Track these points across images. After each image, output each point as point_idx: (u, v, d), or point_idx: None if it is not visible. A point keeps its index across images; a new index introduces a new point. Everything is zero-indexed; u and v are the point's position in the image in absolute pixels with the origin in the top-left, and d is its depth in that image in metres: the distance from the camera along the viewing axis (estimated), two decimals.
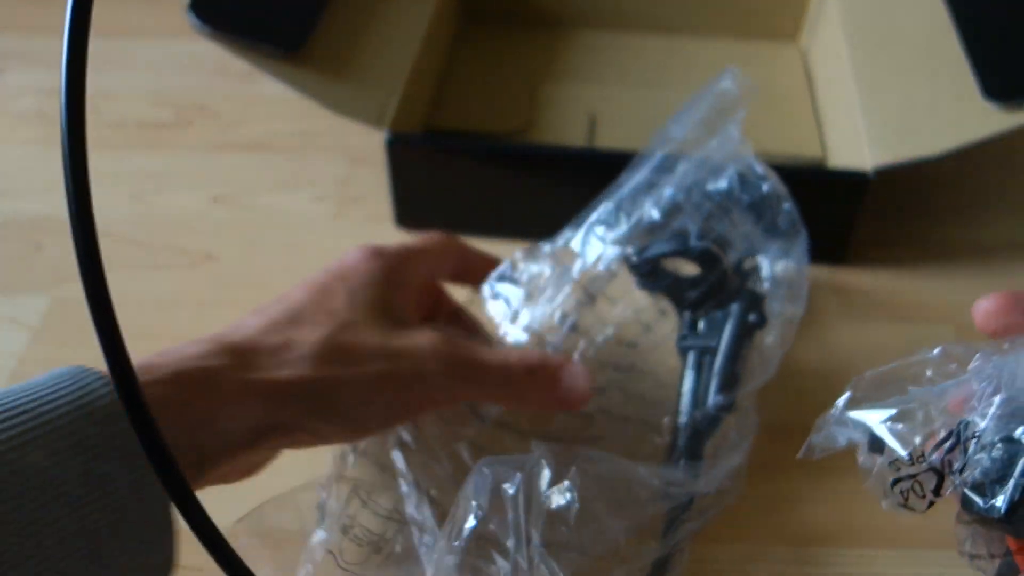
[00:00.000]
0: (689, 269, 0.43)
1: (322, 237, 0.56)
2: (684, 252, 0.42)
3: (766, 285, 0.43)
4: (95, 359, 0.50)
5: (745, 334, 0.42)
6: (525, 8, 0.69)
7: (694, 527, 0.37)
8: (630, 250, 0.43)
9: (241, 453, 0.31)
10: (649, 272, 0.43)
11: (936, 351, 0.29)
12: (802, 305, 0.44)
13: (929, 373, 0.29)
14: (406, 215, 0.55)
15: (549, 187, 0.53)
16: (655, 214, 0.43)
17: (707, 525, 0.38)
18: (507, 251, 0.49)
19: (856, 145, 0.52)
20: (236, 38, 0.48)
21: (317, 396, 0.32)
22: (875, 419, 0.27)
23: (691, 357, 0.42)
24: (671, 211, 0.43)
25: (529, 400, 0.38)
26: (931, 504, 0.26)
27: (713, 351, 0.41)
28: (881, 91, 0.52)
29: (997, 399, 0.25)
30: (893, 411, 0.27)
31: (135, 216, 0.58)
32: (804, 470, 0.44)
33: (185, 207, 0.59)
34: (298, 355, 0.32)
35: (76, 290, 0.55)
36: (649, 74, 0.65)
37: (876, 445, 0.27)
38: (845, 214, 0.52)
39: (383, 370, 0.33)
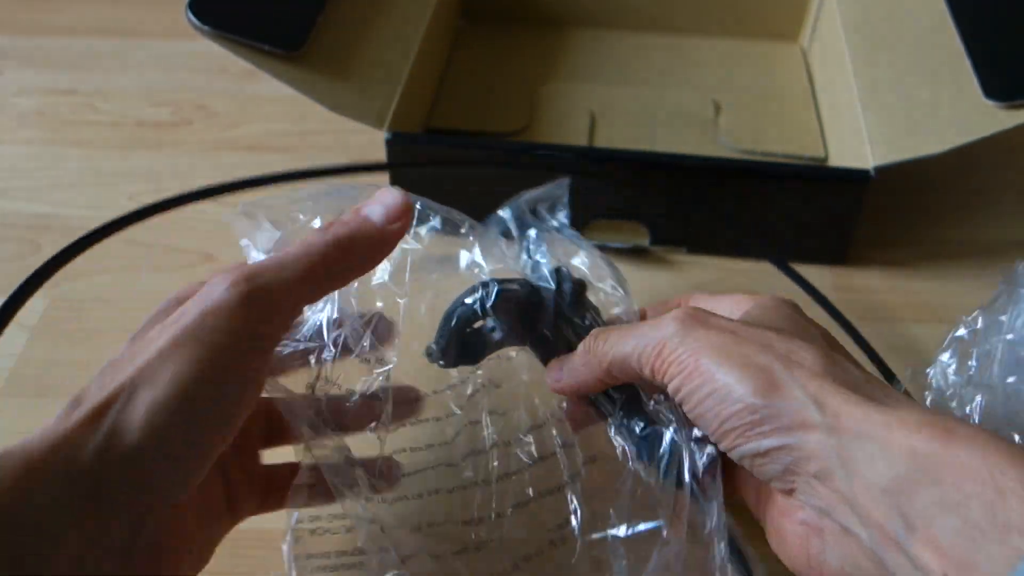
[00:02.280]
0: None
1: None
2: (471, 312, 0.36)
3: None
4: (93, 359, 0.50)
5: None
6: (525, 8, 0.69)
7: None
8: (432, 346, 0.37)
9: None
10: (460, 346, 0.37)
11: None
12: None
13: None
14: None
15: None
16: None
17: None
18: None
19: (857, 144, 0.52)
20: (236, 38, 0.48)
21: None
22: None
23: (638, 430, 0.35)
24: None
25: (352, 260, 0.32)
26: None
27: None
28: (881, 90, 0.52)
29: None
30: None
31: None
32: None
33: (184, 207, 0.58)
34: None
35: (76, 290, 0.55)
36: (649, 74, 0.65)
37: None
38: (847, 213, 0.52)
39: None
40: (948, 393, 0.39)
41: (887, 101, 0.52)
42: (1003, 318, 0.38)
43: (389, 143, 0.52)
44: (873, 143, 0.50)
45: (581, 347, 0.35)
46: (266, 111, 0.66)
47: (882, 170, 0.49)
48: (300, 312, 0.32)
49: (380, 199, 0.33)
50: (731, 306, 0.36)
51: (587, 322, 0.38)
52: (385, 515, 0.36)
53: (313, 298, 0.32)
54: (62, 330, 0.51)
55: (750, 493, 0.34)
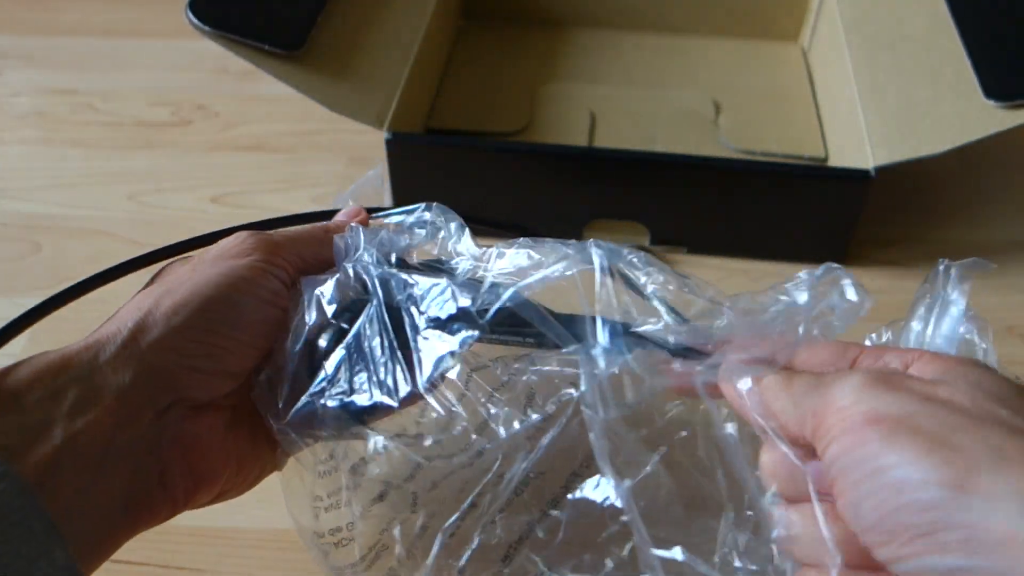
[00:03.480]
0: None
1: None
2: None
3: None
4: None
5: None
6: (525, 8, 0.69)
7: None
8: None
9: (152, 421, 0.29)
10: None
11: None
12: None
13: None
14: None
15: (549, 187, 0.53)
16: None
17: None
18: None
19: (857, 144, 0.52)
20: (236, 38, 0.48)
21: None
22: None
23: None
24: None
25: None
26: None
27: None
28: (882, 90, 0.52)
29: None
30: None
31: (133, 216, 0.58)
32: None
33: (184, 207, 0.59)
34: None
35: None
36: (649, 74, 0.65)
37: None
38: (847, 213, 0.52)
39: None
40: None
41: (887, 101, 0.52)
42: (915, 324, 0.34)
43: (389, 143, 0.52)
44: (873, 143, 0.50)
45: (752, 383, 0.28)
46: (266, 111, 0.66)
47: (882, 170, 0.49)
48: (299, 260, 0.35)
49: (343, 212, 0.39)
50: (922, 367, 0.27)
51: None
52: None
53: (305, 251, 0.36)
54: (62, 330, 0.50)
55: None
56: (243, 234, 0.34)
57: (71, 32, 0.74)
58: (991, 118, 0.46)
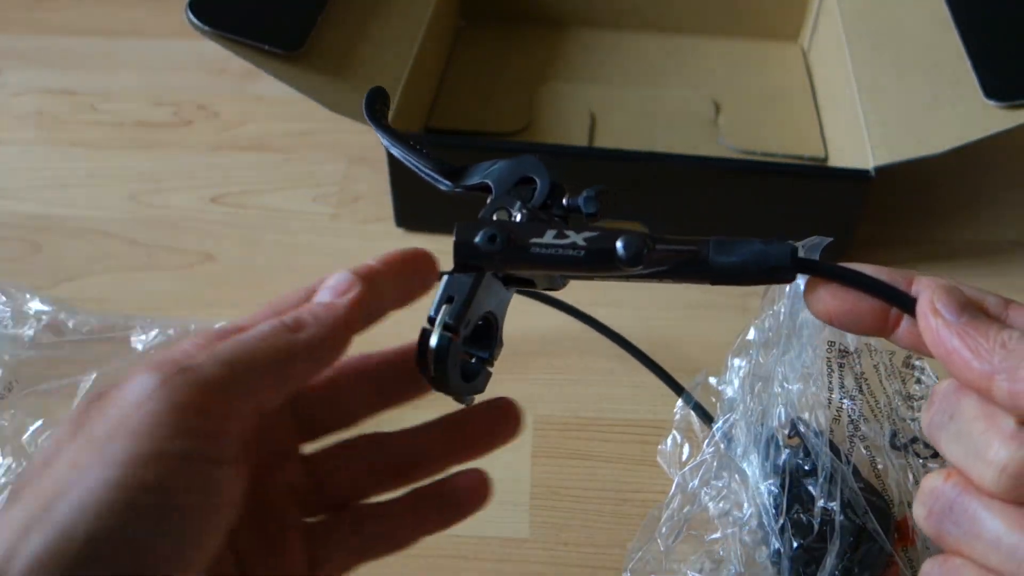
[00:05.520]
0: None
1: (321, 237, 0.56)
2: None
3: None
4: None
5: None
6: (525, 8, 0.69)
7: None
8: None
9: None
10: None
11: None
12: None
13: None
14: (406, 215, 0.55)
15: None
16: None
17: None
18: None
19: (857, 144, 0.52)
20: (236, 38, 0.48)
21: None
22: None
23: None
24: None
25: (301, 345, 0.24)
26: None
27: None
28: (882, 90, 0.52)
29: None
30: None
31: (133, 216, 0.58)
32: None
33: (184, 207, 0.59)
34: None
35: (75, 290, 0.55)
36: (649, 74, 0.65)
37: None
38: (847, 213, 0.52)
39: None
40: (737, 402, 0.35)
41: (887, 101, 0.52)
42: (779, 308, 0.34)
43: None
44: (873, 143, 0.50)
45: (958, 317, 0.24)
46: (266, 111, 0.66)
47: (882, 170, 0.49)
48: (256, 402, 0.23)
49: (326, 283, 0.26)
50: None
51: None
52: None
53: (264, 382, 0.23)
54: None
55: None
56: (150, 375, 0.21)
57: (71, 32, 0.74)
58: (991, 118, 0.46)
